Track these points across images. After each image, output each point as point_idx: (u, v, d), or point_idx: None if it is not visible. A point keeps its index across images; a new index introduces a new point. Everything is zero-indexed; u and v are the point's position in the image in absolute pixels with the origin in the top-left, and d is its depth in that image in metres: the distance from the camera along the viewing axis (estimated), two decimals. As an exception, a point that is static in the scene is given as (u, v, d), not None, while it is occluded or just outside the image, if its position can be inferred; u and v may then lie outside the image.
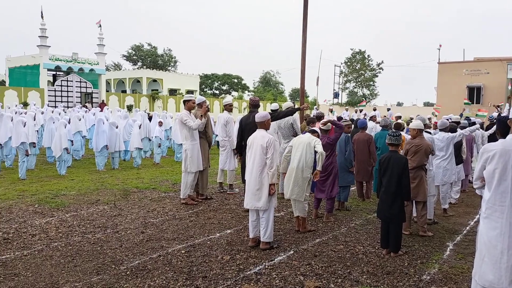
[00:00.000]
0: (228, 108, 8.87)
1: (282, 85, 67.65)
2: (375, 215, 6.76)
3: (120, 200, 7.99)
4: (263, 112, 5.74)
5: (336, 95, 48.37)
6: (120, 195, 8.43)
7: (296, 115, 8.69)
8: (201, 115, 7.64)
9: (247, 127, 6.98)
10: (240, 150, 7.32)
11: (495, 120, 11.37)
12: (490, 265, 3.03)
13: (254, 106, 7.42)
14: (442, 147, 7.30)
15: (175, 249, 5.32)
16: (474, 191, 9.06)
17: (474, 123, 10.23)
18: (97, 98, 31.83)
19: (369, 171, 8.26)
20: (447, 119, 8.93)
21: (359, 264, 4.92)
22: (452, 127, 8.05)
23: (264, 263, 4.87)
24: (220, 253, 5.18)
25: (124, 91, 40.34)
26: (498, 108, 15.90)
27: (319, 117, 11.39)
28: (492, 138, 9.83)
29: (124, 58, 57.32)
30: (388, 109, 24.89)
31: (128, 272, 4.57)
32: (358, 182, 8.51)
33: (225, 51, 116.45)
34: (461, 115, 11.49)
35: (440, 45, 30.72)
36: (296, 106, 8.35)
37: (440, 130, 7.52)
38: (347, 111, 25.54)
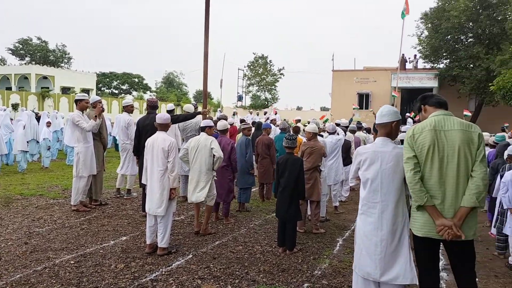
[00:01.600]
0: (129, 109, 8.48)
1: (186, 86, 66.81)
2: (274, 215, 6.99)
3: (1, 209, 7.18)
4: (164, 114, 5.59)
5: (240, 98, 49.15)
6: (1, 203, 7.58)
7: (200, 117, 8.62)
8: (95, 116, 7.19)
9: (144, 129, 6.72)
10: (138, 153, 7.03)
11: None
12: (367, 257, 3.29)
13: (152, 107, 7.17)
14: (333, 149, 7.79)
15: (63, 260, 4.91)
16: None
17: (361, 127, 11.10)
18: (-24, 95, 28.34)
19: (271, 173, 8.49)
20: (337, 124, 9.60)
21: (256, 263, 5.02)
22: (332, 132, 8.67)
23: (161, 269, 4.73)
24: (113, 262, 4.91)
25: (9, 88, 36.46)
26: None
27: (224, 119, 11.50)
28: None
29: (10, 52, 51.90)
30: (276, 113, 25.89)
31: (8, 287, 4.12)
32: (260, 183, 8.71)
33: (126, 50, 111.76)
34: (351, 120, 12.40)
35: (333, 55, 32.92)
36: (200, 109, 8.24)
37: (329, 133, 8.02)
38: (251, 114, 26.06)
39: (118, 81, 58.97)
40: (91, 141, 7.30)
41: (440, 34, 25.10)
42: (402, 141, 5.98)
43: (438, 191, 3.00)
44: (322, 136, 8.26)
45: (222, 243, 5.79)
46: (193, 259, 5.09)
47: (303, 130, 10.25)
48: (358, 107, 20.88)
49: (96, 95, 41.46)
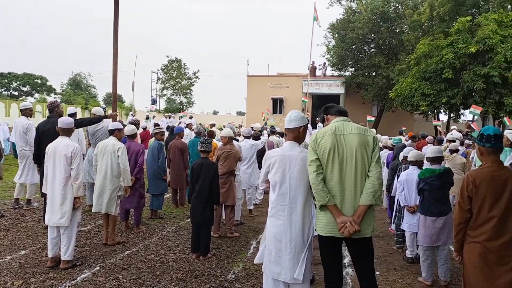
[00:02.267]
0: (27, 113, 7.81)
1: (95, 88, 63.33)
2: (188, 221, 6.89)
3: None
4: (67, 117, 5.22)
5: (153, 102, 47.81)
6: None
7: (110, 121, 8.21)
8: (-12, 120, 6.51)
9: (45, 134, 6.23)
10: (39, 160, 6.50)
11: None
12: (276, 258, 3.38)
13: (50, 110, 6.68)
14: (248, 154, 7.90)
15: None
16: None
17: (275, 131, 11.41)
18: None
19: (183, 178, 8.34)
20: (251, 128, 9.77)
21: (168, 271, 4.90)
22: (256, 135, 8.84)
23: (64, 284, 4.41)
24: (10, 279, 4.49)
25: None
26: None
27: (136, 123, 11.08)
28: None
29: None
30: (191, 117, 25.74)
31: None
32: (173, 189, 8.52)
33: (27, 49, 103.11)
34: (265, 124, 12.71)
35: (248, 60, 33.52)
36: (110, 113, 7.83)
37: (245, 137, 8.14)
38: (166, 118, 25.48)
39: (18, 82, 54.11)
40: (-17, 147, 6.59)
41: (346, 44, 26.79)
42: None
43: (338, 191, 3.19)
44: (237, 140, 8.35)
45: (133, 252, 5.56)
46: (101, 271, 4.82)
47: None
48: (269, 112, 21.40)
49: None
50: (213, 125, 15.24)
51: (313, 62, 29.33)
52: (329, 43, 29.18)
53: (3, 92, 52.32)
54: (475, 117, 9.42)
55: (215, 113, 62.05)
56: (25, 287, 4.31)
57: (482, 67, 16.88)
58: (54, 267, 4.83)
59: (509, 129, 7.80)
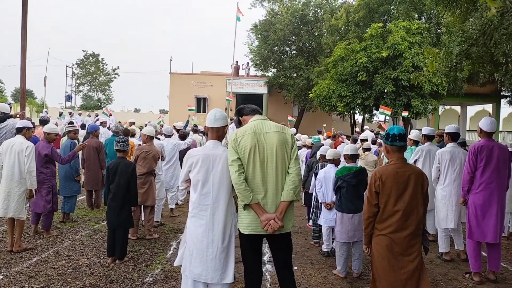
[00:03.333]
0: None
1: (2, 83, 58.03)
2: (104, 223, 6.56)
3: None
4: None
5: (68, 98, 44.96)
6: None
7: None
8: None
9: None
10: None
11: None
12: (198, 259, 3.34)
13: None
14: (170, 153, 7.72)
15: None
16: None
17: (197, 130, 11.31)
18: None
19: (99, 179, 7.92)
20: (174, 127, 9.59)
21: (81, 278, 4.63)
22: (183, 134, 8.69)
23: (-42, 299, 3.97)
24: None
25: None
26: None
27: (44, 121, 10.31)
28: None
29: None
30: (110, 115, 24.71)
31: None
32: (87, 190, 8.07)
33: None
34: (187, 122, 12.48)
35: (171, 57, 32.76)
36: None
37: (166, 136, 7.95)
38: (80, 115, 24.06)
39: None
40: None
41: (268, 45, 27.34)
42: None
43: (261, 189, 3.23)
44: (159, 139, 8.13)
45: (42, 259, 5.17)
46: (4, 280, 4.43)
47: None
48: (195, 109, 21.13)
49: None
50: (133, 123, 14.72)
51: (237, 61, 29.59)
52: (252, 44, 29.60)
53: None
54: (387, 117, 10.14)
55: (136, 111, 59.90)
56: None
57: (392, 71, 18.17)
58: None
59: (416, 129, 8.49)
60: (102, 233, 6.37)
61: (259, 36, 28.43)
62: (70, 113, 22.94)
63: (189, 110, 19.08)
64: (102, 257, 5.31)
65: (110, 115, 22.01)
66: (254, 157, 3.23)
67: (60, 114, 21.99)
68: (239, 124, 3.58)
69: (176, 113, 27.99)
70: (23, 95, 12.73)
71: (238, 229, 3.35)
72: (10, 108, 9.06)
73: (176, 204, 8.33)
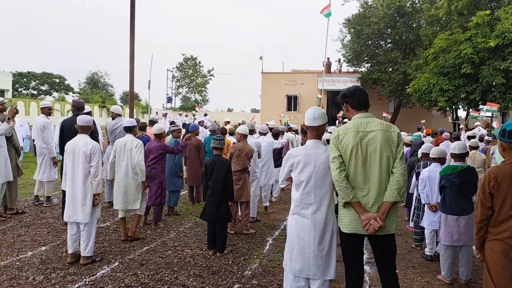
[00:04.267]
0: (46, 111, 7.95)
1: (112, 87, 64.19)
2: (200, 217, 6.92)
3: None
4: (86, 116, 5.29)
5: (169, 100, 48.27)
6: None
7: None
8: (9, 118, 6.64)
9: (70, 131, 6.36)
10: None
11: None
12: (299, 255, 3.37)
13: (77, 108, 6.78)
14: (264, 151, 7.88)
15: (-28, 276, 4.48)
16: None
17: (290, 128, 11.38)
18: None
19: (200, 175, 8.38)
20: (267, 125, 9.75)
21: (186, 267, 4.94)
22: (277, 132, 8.85)
23: (84, 279, 4.47)
24: (32, 274, 4.57)
25: None
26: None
27: (153, 122, 11.19)
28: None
29: None
30: (205, 115, 25.84)
31: None
32: (189, 186, 8.58)
33: (45, 49, 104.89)
34: (286, 124, 12.65)
35: (262, 56, 33.25)
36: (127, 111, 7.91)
37: (261, 134, 8.12)
38: (180, 116, 25.66)
39: (37, 81, 55.15)
40: (5, 145, 6.72)
41: (362, 39, 26.54)
42: (328, 141, 6.20)
43: (362, 188, 3.16)
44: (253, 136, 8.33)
45: (151, 248, 5.62)
46: (120, 267, 4.88)
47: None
48: (283, 116, 21.29)
49: (12, 96, 38.49)
50: (228, 122, 15.31)
51: (328, 58, 29.17)
52: (344, 38, 28.93)
53: (23, 91, 53.36)
54: (494, 114, 9.26)
55: (229, 110, 62.22)
56: (46, 282, 4.38)
57: (502, 61, 16.53)
58: (74, 263, 4.91)
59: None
60: (203, 226, 6.72)
61: (352, 30, 27.73)
62: (165, 114, 24.51)
63: (281, 116, 19.11)
64: (204, 249, 5.61)
65: (205, 114, 23.19)
66: (356, 155, 3.16)
67: (165, 115, 23.64)
68: (342, 105, 3.48)
69: (268, 112, 28.49)
70: (132, 98, 13.95)
71: (339, 227, 3.32)
72: (122, 109, 9.94)
73: (270, 201, 8.48)
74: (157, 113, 25.64)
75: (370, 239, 3.31)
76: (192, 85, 56.42)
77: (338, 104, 26.09)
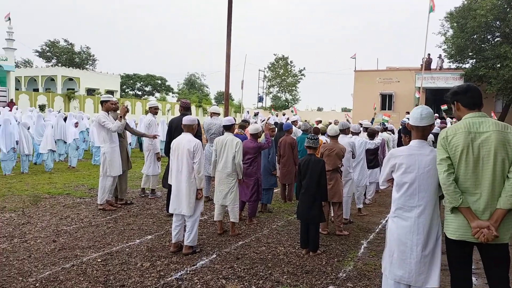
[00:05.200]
0: (153, 111, 8.64)
1: (207, 87, 67.36)
2: (296, 216, 6.96)
3: (29, 207, 7.39)
4: (191, 116, 5.67)
5: (260, 99, 49.30)
6: (30, 201, 7.80)
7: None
8: (120, 116, 7.32)
9: (177, 130, 6.87)
10: (168, 152, 7.17)
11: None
12: (400, 260, 3.23)
13: (185, 108, 7.27)
14: (357, 151, 7.68)
15: (91, 257, 5.02)
16: (385, 191, 9.75)
17: (386, 128, 10.94)
18: (5, 96, 29.21)
19: (293, 173, 8.45)
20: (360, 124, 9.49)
21: (280, 264, 5.02)
22: (372, 132, 8.58)
23: (186, 268, 4.77)
24: (139, 260, 4.99)
25: (36, 90, 37.48)
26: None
27: (246, 121, 11.54)
28: (400, 142, 10.59)
29: (37, 54, 53.30)
30: (284, 114, 25.76)
31: (37, 284, 4.23)
32: (282, 184, 8.70)
33: (149, 52, 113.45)
34: (372, 120, 12.25)
35: (354, 54, 32.38)
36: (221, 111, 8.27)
37: (353, 134, 7.92)
38: (272, 115, 26.05)
39: (141, 82, 59.92)
40: (117, 141, 7.43)
41: (466, 33, 24.54)
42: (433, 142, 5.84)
43: (473, 193, 2.94)
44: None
45: (245, 243, 5.81)
46: (217, 259, 5.12)
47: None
48: (377, 108, 20.53)
49: (120, 96, 42.29)
50: (320, 121, 15.17)
51: (429, 54, 27.49)
52: (446, 33, 26.96)
53: (129, 92, 58.32)
54: None
55: (319, 109, 61.64)
56: (152, 269, 4.75)
57: None
58: (176, 252, 5.26)
59: None
60: (295, 225, 6.77)
61: (455, 24, 25.74)
62: (256, 113, 24.97)
63: (375, 109, 18.58)
64: (296, 248, 5.65)
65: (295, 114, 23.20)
66: (467, 158, 2.94)
67: (255, 114, 24.16)
68: (452, 103, 3.26)
69: (360, 111, 27.70)
70: (227, 98, 14.48)
71: (444, 233, 3.12)
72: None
73: (364, 203, 8.26)
74: (248, 112, 26.35)
75: (480, 248, 3.06)
76: (283, 85, 56.95)
77: (438, 103, 24.58)
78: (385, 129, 10.68)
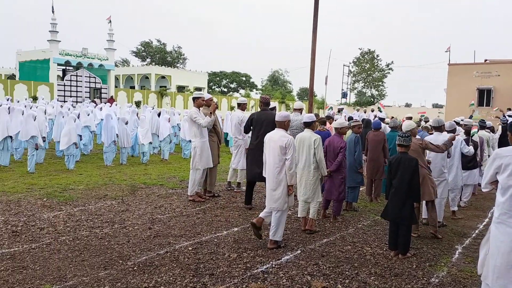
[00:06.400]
0: (243, 107, 8.89)
1: (290, 84, 67.48)
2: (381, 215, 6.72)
3: (128, 196, 8.01)
4: (284, 112, 5.71)
5: (344, 95, 48.16)
6: (128, 190, 8.46)
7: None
8: (210, 113, 7.63)
9: (258, 123, 7.14)
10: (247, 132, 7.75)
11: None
12: (503, 269, 2.98)
13: (265, 104, 7.46)
14: (451, 151, 7.18)
15: (182, 245, 5.32)
16: (483, 194, 9.01)
17: (485, 126, 10.09)
18: (106, 93, 32.04)
19: (381, 169, 8.17)
20: (455, 121, 8.86)
21: (366, 265, 4.88)
22: (468, 129, 7.99)
23: (271, 262, 4.85)
24: (227, 251, 5.17)
25: (132, 87, 40.54)
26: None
27: (329, 117, 11.41)
28: (503, 141, 9.71)
29: (133, 54, 57.58)
30: (372, 110, 24.57)
31: (135, 268, 4.58)
32: (368, 179, 8.45)
33: (234, 49, 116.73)
34: (470, 117, 11.36)
35: (449, 47, 30.26)
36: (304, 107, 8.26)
37: (448, 132, 7.41)
38: (358, 111, 25.38)
39: (227, 80, 61.88)
40: (207, 136, 7.77)
41: None
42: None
43: None
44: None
45: (330, 241, 5.74)
46: (302, 255, 5.13)
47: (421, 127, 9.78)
48: (474, 103, 18.94)
49: (208, 93, 44.15)
50: (410, 118, 14.42)
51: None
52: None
53: (216, 89, 60.57)
54: None
55: (407, 105, 58.61)
56: (239, 260, 4.90)
57: None
58: (260, 236, 5.42)
59: None
60: (382, 225, 6.54)
61: None
62: (340, 110, 24.43)
63: (470, 105, 17.29)
64: (384, 249, 5.45)
65: (381, 109, 22.32)
66: None
67: (339, 111, 23.69)
68: None
69: (454, 107, 25.84)
70: (311, 94, 14.37)
71: None
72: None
73: (459, 206, 7.71)
74: (331, 108, 25.88)
75: None
76: (368, 80, 55.11)
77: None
78: (483, 127, 9.84)
